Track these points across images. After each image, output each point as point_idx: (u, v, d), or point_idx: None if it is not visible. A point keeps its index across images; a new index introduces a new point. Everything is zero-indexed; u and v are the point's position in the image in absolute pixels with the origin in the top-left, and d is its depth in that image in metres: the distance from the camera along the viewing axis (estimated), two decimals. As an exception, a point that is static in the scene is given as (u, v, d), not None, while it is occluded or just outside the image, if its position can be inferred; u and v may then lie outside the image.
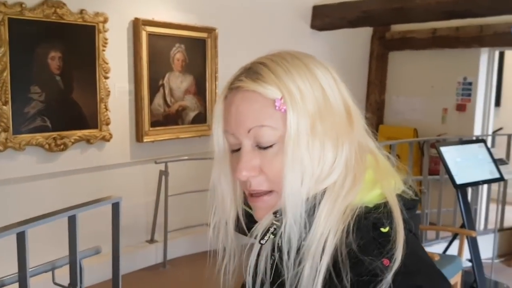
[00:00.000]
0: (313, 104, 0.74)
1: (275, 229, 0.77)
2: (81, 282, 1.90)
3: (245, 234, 0.85)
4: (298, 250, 0.73)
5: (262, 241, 0.78)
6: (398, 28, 5.85)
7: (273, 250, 0.82)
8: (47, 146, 3.49)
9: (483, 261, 3.73)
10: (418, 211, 4.44)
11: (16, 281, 1.71)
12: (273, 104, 0.74)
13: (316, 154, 0.74)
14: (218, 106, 0.80)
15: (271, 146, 0.75)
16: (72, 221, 1.79)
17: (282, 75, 0.75)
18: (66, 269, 1.95)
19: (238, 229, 0.85)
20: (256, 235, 0.79)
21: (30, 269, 1.73)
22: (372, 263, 0.66)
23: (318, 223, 0.72)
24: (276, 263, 0.80)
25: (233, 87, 0.78)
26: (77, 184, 3.71)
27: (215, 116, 0.81)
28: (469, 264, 3.69)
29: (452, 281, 3.23)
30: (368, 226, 0.71)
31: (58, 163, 3.61)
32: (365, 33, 5.93)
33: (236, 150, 0.79)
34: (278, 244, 0.79)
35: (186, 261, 4.30)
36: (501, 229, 4.74)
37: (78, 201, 2.04)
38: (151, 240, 4.25)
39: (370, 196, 0.74)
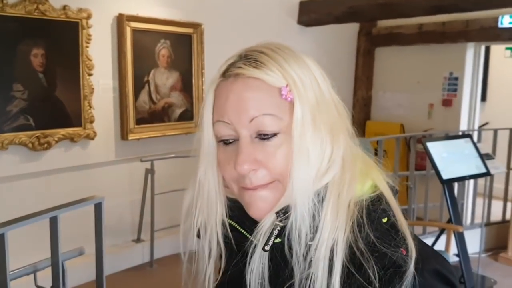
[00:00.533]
0: (312, 95, 0.72)
1: (279, 231, 0.71)
2: (64, 284, 1.86)
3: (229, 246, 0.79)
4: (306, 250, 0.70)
5: (266, 247, 0.72)
6: (384, 23, 5.85)
7: (271, 254, 0.75)
8: (30, 145, 3.43)
9: (470, 255, 3.74)
10: (404, 207, 4.46)
11: (-4, 284, 1.66)
12: (278, 93, 0.71)
13: (318, 146, 0.72)
14: (209, 96, 0.76)
15: (274, 136, 0.71)
16: (53, 222, 1.75)
17: (283, 63, 0.72)
18: (48, 271, 1.91)
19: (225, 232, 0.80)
20: (254, 240, 0.73)
21: (11, 272, 1.69)
22: (394, 254, 0.66)
23: (325, 221, 0.69)
24: (275, 267, 0.74)
25: (230, 74, 0.73)
26: (62, 184, 3.65)
27: (205, 106, 0.76)
28: (456, 259, 3.71)
29: (440, 276, 3.23)
30: (379, 218, 0.70)
31: (42, 162, 3.55)
32: (351, 29, 5.92)
33: (227, 143, 0.74)
34: (279, 246, 0.74)
35: (173, 260, 4.26)
36: (488, 224, 4.77)
37: (63, 201, 1.99)
38: (138, 240, 4.21)
39: (364, 188, 0.73)
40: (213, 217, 0.79)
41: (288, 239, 0.71)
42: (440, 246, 3.66)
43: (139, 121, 4.08)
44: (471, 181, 4.89)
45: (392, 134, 5.06)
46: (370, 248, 0.67)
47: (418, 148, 4.83)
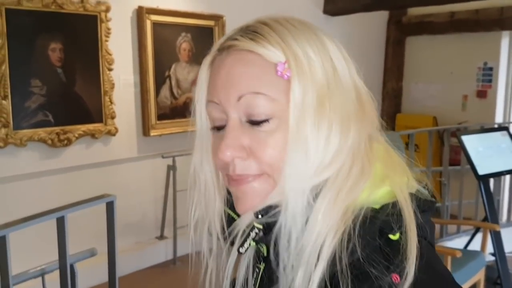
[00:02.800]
0: (322, 76, 0.61)
1: (256, 234, 0.62)
2: (73, 287, 1.77)
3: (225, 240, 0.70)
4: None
5: (241, 249, 0.63)
6: (415, 12, 5.62)
7: (257, 260, 0.67)
8: (50, 141, 3.38)
9: (506, 255, 3.54)
10: (438, 204, 4.26)
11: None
12: (274, 69, 0.60)
13: (322, 135, 0.60)
14: (203, 73, 0.66)
15: (265, 121, 0.60)
16: (60, 222, 1.66)
17: (287, 37, 0.61)
18: (58, 273, 1.83)
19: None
20: (233, 240, 0.65)
21: (17, 275, 1.61)
22: (379, 278, 0.53)
23: (315, 221, 0.58)
24: (262, 276, 0.66)
25: (224, 47, 0.63)
26: (83, 181, 3.60)
27: (198, 85, 0.67)
28: (492, 258, 3.51)
29: (475, 277, 3.06)
30: (374, 231, 0.56)
31: (62, 159, 3.50)
32: (380, 17, 5.71)
33: (220, 128, 0.64)
34: (262, 253, 0.65)
35: (196, 258, 4.19)
36: (526, 221, 4.53)
37: (84, 198, 1.90)
38: (161, 237, 4.14)
39: (377, 194, 0.60)
40: (211, 211, 0.70)
41: (275, 244, 0.61)
42: (475, 245, 3.48)
43: (160, 116, 4.00)
44: (507, 176, 4.65)
45: (424, 127, 4.84)
46: (353, 265, 0.55)
47: (452, 142, 4.61)
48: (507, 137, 3.65)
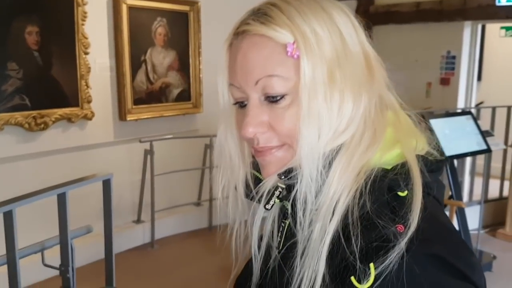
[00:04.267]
0: (331, 50, 0.66)
1: (280, 192, 0.70)
2: (72, 262, 1.82)
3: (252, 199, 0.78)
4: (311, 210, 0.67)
5: (267, 206, 0.71)
6: (382, 1, 5.79)
7: (283, 216, 0.75)
8: (26, 125, 3.35)
9: (469, 232, 3.77)
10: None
11: (4, 263, 1.62)
12: (284, 50, 0.66)
13: (335, 105, 0.66)
14: (223, 56, 0.72)
15: (282, 98, 0.67)
16: (62, 199, 1.70)
17: (295, 16, 0.66)
18: (56, 250, 1.87)
19: (248, 192, 0.78)
20: (260, 199, 0.72)
21: (19, 250, 1.64)
22: (385, 227, 0.60)
23: (332, 182, 0.65)
24: (287, 229, 0.74)
25: (239, 32, 0.69)
26: (60, 165, 3.59)
27: (219, 68, 0.73)
28: (457, 235, 3.72)
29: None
30: (383, 188, 0.64)
31: (38, 143, 3.48)
32: (349, 7, 5.81)
33: (242, 105, 0.71)
34: (287, 210, 0.73)
35: (174, 241, 4.24)
36: (486, 201, 4.79)
37: (61, 182, 1.94)
38: (138, 221, 4.17)
39: (388, 156, 0.67)
40: (236, 178, 0.78)
41: (294, 204, 0.68)
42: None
43: (136, 101, 4.01)
44: (468, 159, 4.90)
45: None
46: (363, 217, 0.62)
47: (417, 127, 4.81)
48: (471, 121, 3.87)
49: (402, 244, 0.58)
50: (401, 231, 0.60)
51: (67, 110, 3.58)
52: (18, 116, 3.31)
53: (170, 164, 4.17)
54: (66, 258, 1.75)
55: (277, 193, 0.71)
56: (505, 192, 4.85)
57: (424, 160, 0.68)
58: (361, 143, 0.67)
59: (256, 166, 0.77)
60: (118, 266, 3.70)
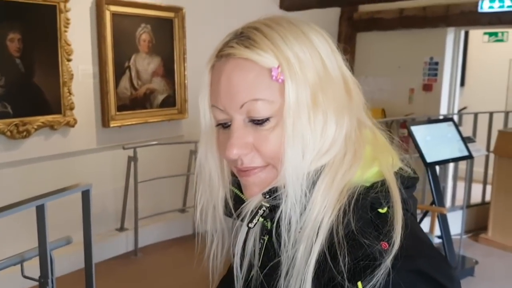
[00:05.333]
0: (313, 74, 0.68)
1: (264, 211, 0.71)
2: (52, 274, 1.80)
3: (232, 217, 0.79)
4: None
5: (250, 224, 0.72)
6: (366, 8, 5.84)
7: (262, 233, 0.77)
8: (8, 133, 3.32)
9: (451, 237, 3.81)
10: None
11: (-19, 276, 1.60)
12: (269, 74, 0.67)
13: (318, 127, 0.68)
14: (205, 77, 0.73)
15: (267, 120, 0.68)
16: (40, 211, 1.69)
17: (278, 41, 0.68)
18: (35, 261, 1.85)
19: (227, 212, 0.79)
20: (243, 217, 0.73)
21: (-4, 263, 1.63)
22: (370, 246, 0.62)
23: (315, 202, 0.67)
24: (266, 246, 0.75)
25: (222, 55, 0.70)
26: (42, 173, 3.56)
27: (202, 88, 0.74)
28: (439, 240, 3.76)
29: (425, 258, 3.27)
30: (366, 206, 0.66)
31: (21, 151, 3.45)
32: (333, 14, 5.90)
33: (225, 126, 0.72)
34: (267, 227, 0.75)
35: (158, 248, 4.22)
36: (468, 206, 4.85)
37: (44, 190, 1.92)
38: (121, 228, 4.14)
39: (368, 174, 0.69)
40: (215, 197, 0.79)
41: (278, 225, 0.70)
42: (423, 228, 3.70)
43: (120, 107, 3.99)
44: (451, 164, 4.96)
45: (374, 119, 5.05)
46: (348, 236, 0.64)
47: (400, 133, 4.86)
48: (453, 128, 3.92)
49: (388, 262, 0.60)
50: (386, 248, 0.62)
51: (49, 118, 3.55)
52: (0, 124, 3.27)
53: (155, 170, 4.15)
54: (45, 269, 1.74)
55: (261, 212, 0.71)
56: (487, 197, 4.91)
57: (400, 177, 0.71)
58: (344, 162, 0.69)
59: (236, 184, 0.78)
60: (101, 274, 3.68)
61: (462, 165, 4.96)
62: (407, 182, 0.72)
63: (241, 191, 0.77)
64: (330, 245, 0.64)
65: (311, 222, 0.66)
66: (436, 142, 3.79)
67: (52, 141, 3.63)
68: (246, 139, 0.69)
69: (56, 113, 3.60)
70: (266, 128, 0.69)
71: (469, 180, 4.84)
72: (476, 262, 4.03)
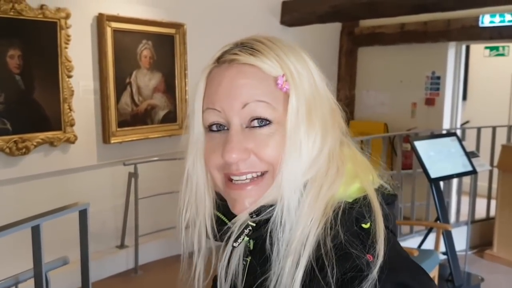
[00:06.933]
0: (309, 88, 0.71)
1: (250, 230, 0.70)
2: (48, 296, 1.76)
3: (216, 239, 0.77)
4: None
5: (235, 244, 0.71)
6: (367, 23, 5.85)
7: (245, 254, 0.76)
8: (7, 150, 3.30)
9: (456, 253, 3.75)
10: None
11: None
12: (274, 82, 0.69)
13: (311, 139, 0.69)
14: (201, 83, 0.73)
15: (267, 124, 0.69)
16: (36, 231, 1.65)
17: (280, 53, 0.70)
18: (31, 283, 1.81)
19: (210, 235, 0.77)
20: (228, 239, 0.71)
21: (-9, 285, 1.59)
22: (358, 257, 0.63)
23: (301, 215, 0.67)
24: (249, 266, 0.74)
25: (224, 61, 0.71)
26: (42, 190, 3.52)
27: (196, 94, 0.73)
28: (444, 257, 3.71)
29: (430, 275, 3.21)
30: (352, 220, 0.67)
31: (20, 168, 3.42)
32: (334, 29, 5.90)
33: (214, 130, 0.71)
34: (249, 247, 0.74)
35: (158, 266, 4.17)
36: (473, 221, 4.79)
37: (43, 208, 1.90)
38: (121, 245, 4.10)
39: (350, 190, 0.70)
40: (201, 211, 0.77)
41: (270, 235, 0.68)
42: (427, 245, 3.65)
43: (121, 123, 3.97)
44: (455, 179, 4.91)
45: (376, 134, 5.03)
46: (336, 248, 0.64)
47: (402, 148, 4.82)
48: (456, 142, 3.88)
49: (374, 273, 0.61)
50: (371, 260, 0.63)
51: (49, 134, 3.53)
52: (-1, 140, 3.25)
53: (155, 186, 4.11)
54: (40, 292, 1.70)
55: (246, 231, 0.70)
56: (492, 212, 4.85)
57: (381, 194, 0.72)
58: (327, 178, 0.70)
59: (219, 207, 0.76)
60: (100, 292, 3.64)
61: (466, 179, 4.91)
62: (387, 199, 0.73)
63: (225, 215, 0.75)
64: (318, 258, 0.64)
65: (298, 235, 0.66)
66: (439, 157, 3.75)
67: (52, 158, 3.60)
68: (246, 145, 0.69)
69: (56, 130, 3.58)
70: (265, 133, 0.69)
71: (474, 195, 4.78)
72: (482, 279, 3.96)
